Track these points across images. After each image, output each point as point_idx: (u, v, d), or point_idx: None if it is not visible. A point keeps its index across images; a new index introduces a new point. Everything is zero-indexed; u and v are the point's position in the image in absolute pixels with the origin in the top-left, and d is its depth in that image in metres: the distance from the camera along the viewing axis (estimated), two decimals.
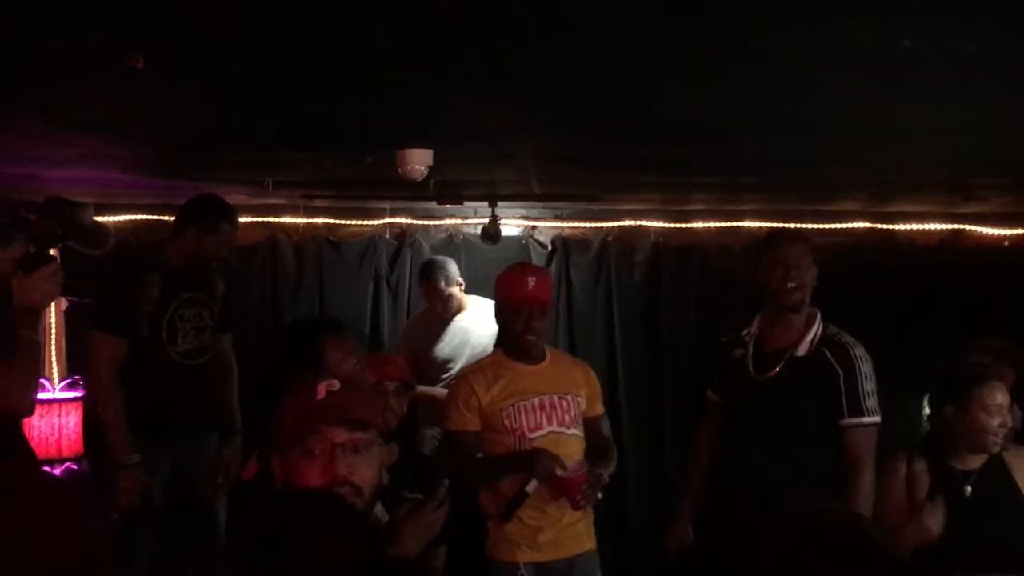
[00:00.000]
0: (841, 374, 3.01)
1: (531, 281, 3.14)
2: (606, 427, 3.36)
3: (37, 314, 2.77)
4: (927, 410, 3.15)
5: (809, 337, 3.09)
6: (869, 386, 3.03)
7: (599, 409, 3.32)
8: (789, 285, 3.07)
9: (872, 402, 3.03)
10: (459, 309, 4.50)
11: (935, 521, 2.87)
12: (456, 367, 4.34)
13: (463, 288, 4.54)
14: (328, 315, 4.86)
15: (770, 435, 3.09)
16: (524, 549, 3.09)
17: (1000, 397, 2.95)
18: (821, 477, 3.03)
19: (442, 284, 4.45)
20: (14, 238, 2.71)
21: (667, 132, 2.90)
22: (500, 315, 3.24)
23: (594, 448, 3.21)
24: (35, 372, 2.69)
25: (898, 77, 2.13)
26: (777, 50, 1.95)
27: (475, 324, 4.43)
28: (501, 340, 3.29)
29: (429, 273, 4.51)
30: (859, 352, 3.06)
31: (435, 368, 4.44)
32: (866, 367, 3.04)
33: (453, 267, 4.53)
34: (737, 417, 3.23)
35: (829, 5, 1.66)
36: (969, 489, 2.93)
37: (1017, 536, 2.87)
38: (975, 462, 2.96)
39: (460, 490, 3.02)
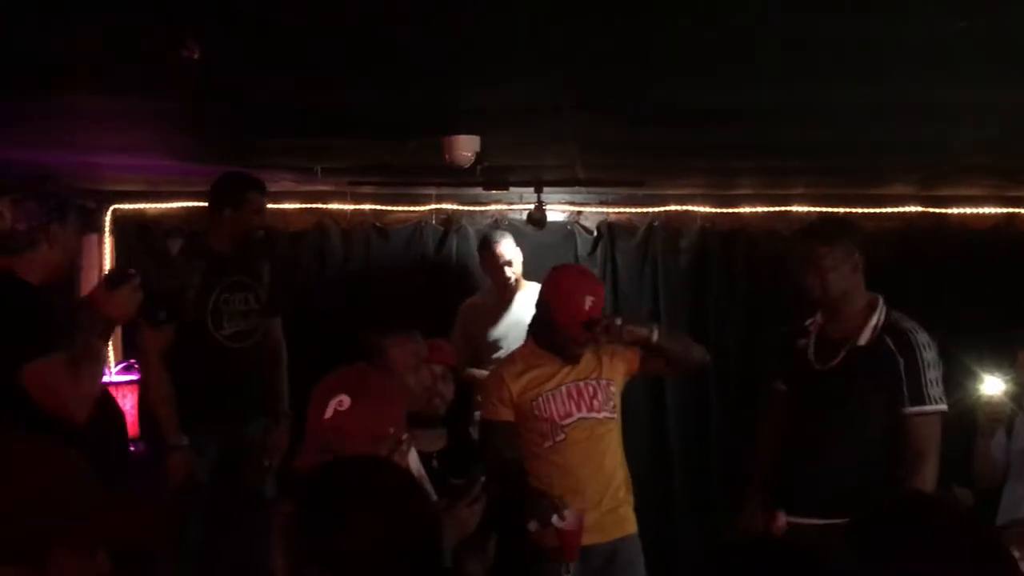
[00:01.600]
0: (901, 361, 2.92)
1: (589, 301, 3.08)
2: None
3: (112, 327, 2.82)
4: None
5: (872, 325, 3.01)
6: (932, 374, 2.91)
7: (634, 351, 3.24)
8: (809, 289, 3.04)
9: (936, 390, 2.91)
10: (516, 288, 4.49)
11: None
12: (504, 350, 4.35)
13: (521, 262, 4.52)
14: (362, 307, 4.93)
15: (830, 426, 3.05)
16: None
17: None
18: (881, 468, 2.98)
19: (503, 251, 4.43)
20: (72, 211, 2.74)
21: (714, 116, 2.88)
22: (547, 313, 3.17)
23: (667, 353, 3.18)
24: (95, 380, 2.65)
25: (951, 59, 2.10)
26: (828, 34, 1.93)
27: (527, 310, 4.42)
28: (536, 331, 3.26)
29: (489, 243, 4.49)
30: (922, 338, 2.95)
31: (487, 349, 4.44)
32: (929, 354, 2.93)
33: (511, 240, 4.51)
34: (799, 407, 3.20)
35: None
36: None
37: None
38: None
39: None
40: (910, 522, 1.37)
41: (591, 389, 3.17)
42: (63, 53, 2.15)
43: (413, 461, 2.94)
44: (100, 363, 2.68)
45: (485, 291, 4.56)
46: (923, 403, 2.91)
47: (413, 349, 2.95)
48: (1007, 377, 3.49)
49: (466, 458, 3.20)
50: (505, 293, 4.45)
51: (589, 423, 3.14)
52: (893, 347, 2.94)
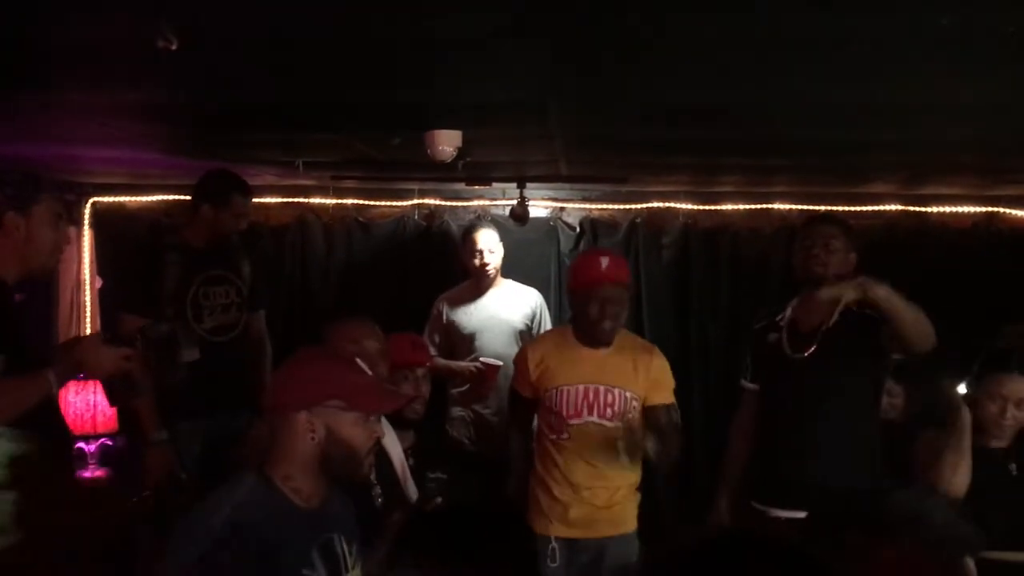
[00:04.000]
0: (873, 315, 2.97)
1: (604, 262, 3.05)
2: (668, 417, 3.21)
3: (76, 374, 2.70)
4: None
5: (838, 309, 3.07)
6: None
7: (658, 399, 3.19)
8: (813, 262, 3.10)
9: None
10: (491, 283, 4.45)
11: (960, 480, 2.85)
12: (480, 344, 4.33)
13: (501, 256, 4.48)
14: (344, 301, 4.91)
15: (818, 412, 3.08)
16: (556, 524, 3.13)
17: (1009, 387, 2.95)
18: (872, 446, 3.03)
19: (479, 237, 4.40)
20: (38, 199, 2.66)
21: (697, 114, 2.88)
22: (574, 303, 3.17)
23: (655, 433, 3.12)
24: (12, 405, 2.41)
25: (934, 56, 2.10)
26: (811, 31, 1.93)
27: (503, 304, 4.42)
28: (575, 323, 3.23)
29: (468, 230, 4.46)
30: None
31: (463, 342, 4.42)
32: None
33: (494, 232, 4.47)
34: (779, 401, 3.21)
35: None
36: (1014, 467, 2.94)
37: None
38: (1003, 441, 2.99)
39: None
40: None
41: (611, 397, 3.11)
42: (42, 45, 2.12)
43: (397, 459, 2.93)
44: (28, 396, 2.45)
45: (462, 286, 4.54)
46: None
47: (351, 335, 2.88)
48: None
49: (441, 455, 3.19)
50: (481, 283, 4.41)
51: (594, 428, 3.11)
52: (861, 311, 2.98)
